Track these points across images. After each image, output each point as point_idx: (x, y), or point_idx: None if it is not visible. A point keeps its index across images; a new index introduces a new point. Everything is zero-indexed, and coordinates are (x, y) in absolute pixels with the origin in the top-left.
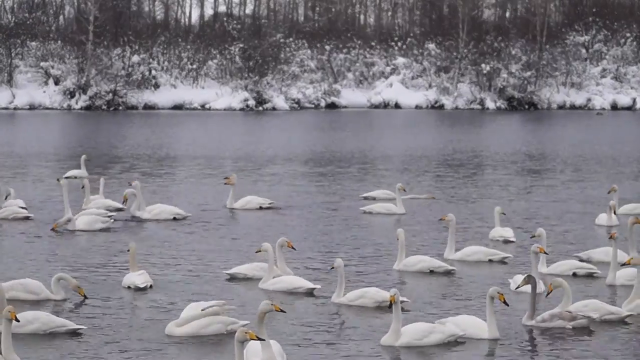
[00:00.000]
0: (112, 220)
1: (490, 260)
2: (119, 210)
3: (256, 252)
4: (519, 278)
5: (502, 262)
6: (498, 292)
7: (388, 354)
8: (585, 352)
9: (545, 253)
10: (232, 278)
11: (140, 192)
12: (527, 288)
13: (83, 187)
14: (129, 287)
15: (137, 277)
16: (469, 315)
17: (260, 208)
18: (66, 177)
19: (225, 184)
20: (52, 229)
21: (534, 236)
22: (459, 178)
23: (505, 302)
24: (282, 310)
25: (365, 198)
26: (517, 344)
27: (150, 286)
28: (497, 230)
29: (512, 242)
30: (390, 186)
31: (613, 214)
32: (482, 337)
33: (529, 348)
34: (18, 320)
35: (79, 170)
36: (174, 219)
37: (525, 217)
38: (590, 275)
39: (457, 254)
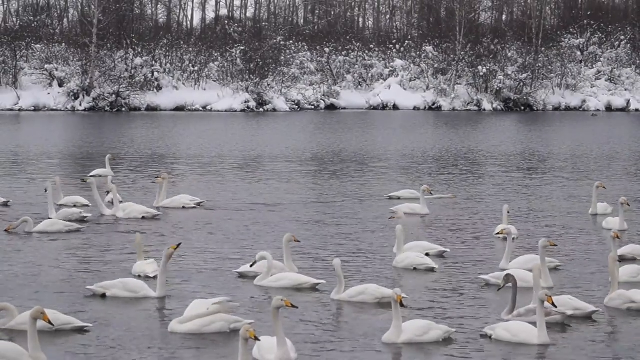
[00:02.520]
0: (77, 226)
1: (427, 254)
2: (85, 205)
3: (250, 265)
4: (499, 275)
5: (441, 256)
6: (546, 295)
7: (390, 351)
8: (562, 346)
9: (554, 245)
10: (242, 276)
11: (116, 194)
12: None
13: (55, 183)
14: (139, 276)
15: (147, 266)
16: (520, 321)
17: (184, 208)
18: (91, 176)
19: (153, 182)
20: (6, 230)
21: (498, 233)
22: (466, 177)
23: (553, 304)
24: (293, 306)
25: (390, 197)
26: (486, 337)
27: None
28: (500, 227)
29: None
30: (401, 185)
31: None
32: (531, 343)
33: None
34: (52, 324)
35: (104, 169)
36: (143, 217)
37: (531, 216)
38: (554, 268)
39: (404, 248)
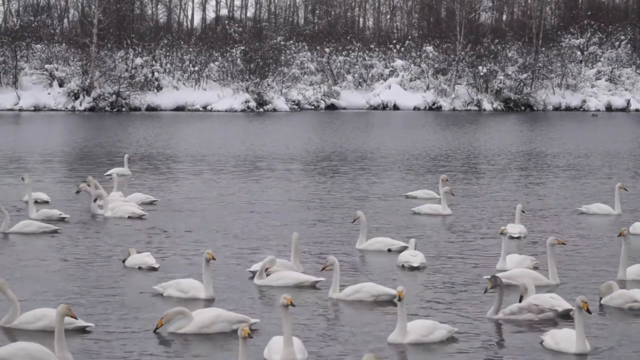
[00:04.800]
0: (53, 227)
1: (389, 250)
2: (45, 202)
3: (265, 270)
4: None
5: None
6: (583, 301)
7: (396, 351)
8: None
9: (563, 244)
10: (255, 276)
11: (105, 193)
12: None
13: (23, 179)
14: (139, 268)
15: (148, 258)
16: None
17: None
18: (108, 175)
19: (77, 192)
20: None
21: (502, 232)
22: (477, 177)
23: (588, 311)
24: (291, 304)
25: (407, 197)
26: (489, 336)
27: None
28: (509, 226)
29: (516, 238)
30: (406, 183)
31: None
32: (569, 352)
33: (505, 340)
34: (76, 318)
35: (121, 168)
36: (129, 217)
37: (544, 215)
38: (535, 267)
39: (363, 244)
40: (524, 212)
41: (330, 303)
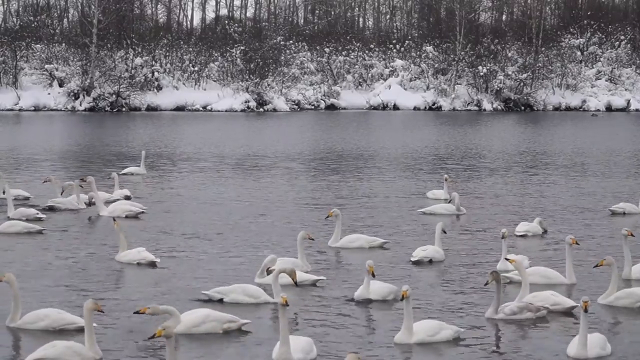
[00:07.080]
0: (38, 227)
1: (369, 247)
2: (26, 198)
3: (267, 270)
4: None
5: (383, 247)
6: (584, 301)
7: (403, 351)
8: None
9: (576, 243)
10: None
11: (95, 189)
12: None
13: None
14: (138, 264)
15: (146, 253)
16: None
17: (90, 203)
18: (123, 174)
19: (44, 181)
20: None
21: (503, 236)
22: (485, 176)
23: (585, 310)
24: (286, 303)
25: (428, 198)
26: (494, 337)
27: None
28: (520, 225)
29: (521, 236)
30: (412, 183)
31: None
32: (569, 355)
33: (510, 340)
34: (103, 312)
35: (137, 167)
36: (126, 216)
37: (557, 215)
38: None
39: (339, 242)
40: (546, 231)
41: (341, 303)
